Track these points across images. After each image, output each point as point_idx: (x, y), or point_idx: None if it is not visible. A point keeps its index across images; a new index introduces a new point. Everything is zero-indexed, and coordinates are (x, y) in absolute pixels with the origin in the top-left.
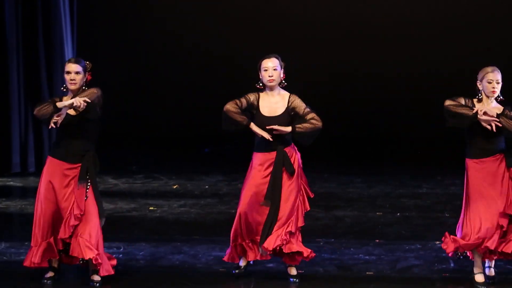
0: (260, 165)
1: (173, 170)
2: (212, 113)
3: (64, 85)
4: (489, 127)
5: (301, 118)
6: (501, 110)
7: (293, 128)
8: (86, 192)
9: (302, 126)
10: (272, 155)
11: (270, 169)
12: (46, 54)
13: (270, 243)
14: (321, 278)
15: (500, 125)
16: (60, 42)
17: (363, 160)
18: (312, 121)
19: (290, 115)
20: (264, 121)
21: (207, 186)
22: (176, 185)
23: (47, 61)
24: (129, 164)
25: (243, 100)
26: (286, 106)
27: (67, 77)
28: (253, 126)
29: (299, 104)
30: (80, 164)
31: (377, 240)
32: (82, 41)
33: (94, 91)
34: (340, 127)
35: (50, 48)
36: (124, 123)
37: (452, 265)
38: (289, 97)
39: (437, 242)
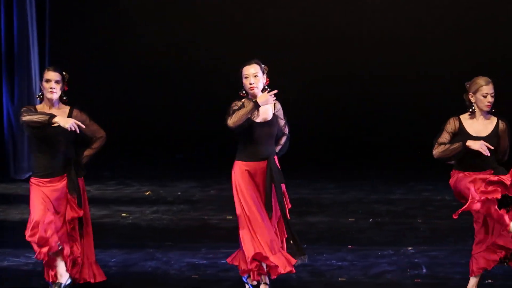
0: (251, 175)
1: (145, 176)
2: (185, 118)
3: (41, 93)
4: (483, 152)
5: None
6: (494, 122)
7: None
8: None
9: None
10: (263, 164)
11: (262, 177)
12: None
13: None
14: (294, 284)
15: (491, 147)
16: (26, 51)
17: (336, 166)
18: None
19: (277, 120)
20: (258, 127)
21: (179, 193)
22: (149, 192)
23: (8, 69)
24: (102, 170)
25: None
26: (273, 111)
27: (46, 85)
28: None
29: (281, 115)
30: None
31: (350, 246)
32: (52, 49)
33: (98, 130)
34: (313, 133)
35: (11, 56)
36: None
37: (424, 270)
38: (275, 105)
39: (410, 248)
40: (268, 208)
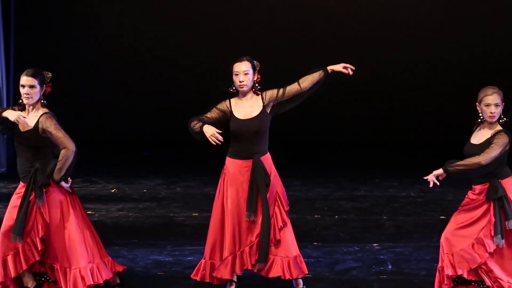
0: (236, 172)
1: (111, 173)
2: (151, 116)
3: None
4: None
5: (284, 96)
6: (493, 132)
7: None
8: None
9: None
10: (248, 162)
11: (246, 176)
12: None
13: (273, 271)
14: (260, 281)
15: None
16: None
17: (302, 162)
18: (303, 78)
19: (267, 114)
20: (240, 124)
21: (145, 190)
22: (115, 189)
23: None
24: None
25: (213, 112)
26: (262, 105)
27: (21, 90)
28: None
29: (271, 91)
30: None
31: (316, 243)
32: (22, 47)
33: (63, 141)
34: (279, 130)
35: None
36: (62, 126)
37: (389, 267)
38: (262, 95)
39: (375, 245)
40: (250, 209)
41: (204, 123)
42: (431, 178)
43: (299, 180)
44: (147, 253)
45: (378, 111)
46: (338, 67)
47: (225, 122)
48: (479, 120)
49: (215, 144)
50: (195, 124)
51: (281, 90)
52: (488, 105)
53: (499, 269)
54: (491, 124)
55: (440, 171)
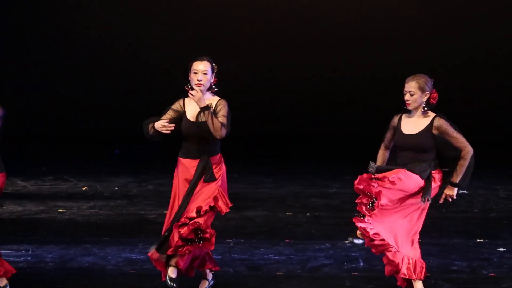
0: (184, 171)
1: (82, 171)
2: (122, 114)
3: None
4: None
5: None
6: (430, 120)
7: (209, 107)
8: None
9: (214, 114)
10: (195, 162)
11: (191, 177)
12: None
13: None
14: (232, 278)
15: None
16: None
17: (273, 160)
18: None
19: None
20: (192, 126)
21: (116, 188)
22: (86, 187)
23: None
24: (38, 165)
25: (168, 114)
26: (211, 110)
27: None
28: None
29: (220, 108)
30: None
31: (287, 240)
32: None
33: None
34: (250, 127)
35: None
36: (33, 124)
37: (361, 264)
38: (217, 102)
39: (347, 242)
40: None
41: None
42: (448, 198)
43: (271, 177)
44: (118, 251)
45: (351, 108)
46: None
47: (180, 120)
48: (405, 108)
49: (168, 132)
50: (149, 130)
51: (222, 116)
52: (405, 92)
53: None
54: (422, 111)
55: (453, 191)
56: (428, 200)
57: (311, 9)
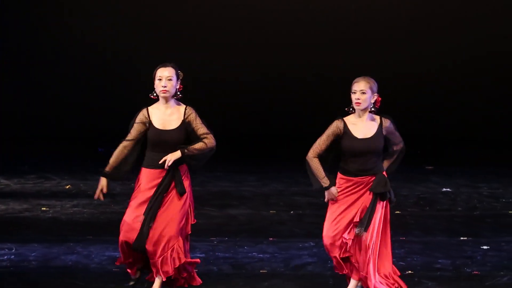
0: (148, 183)
1: (66, 170)
2: (106, 113)
3: None
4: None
5: (194, 134)
6: (378, 121)
7: (182, 152)
8: None
9: (191, 149)
10: (163, 173)
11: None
12: None
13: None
14: (215, 277)
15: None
16: None
17: (257, 158)
18: (205, 140)
19: (186, 129)
20: (159, 134)
21: None
22: (69, 185)
23: None
24: (21, 164)
25: (132, 130)
26: (182, 119)
27: None
28: None
29: (194, 118)
30: None
31: (271, 238)
32: None
33: None
34: (234, 125)
35: None
36: (16, 122)
37: None
38: (185, 110)
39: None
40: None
41: (107, 171)
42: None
43: (254, 175)
44: (102, 249)
45: (333, 108)
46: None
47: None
48: (350, 110)
49: (95, 198)
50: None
51: (200, 126)
52: (354, 92)
53: (370, 265)
54: (369, 113)
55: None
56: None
57: (306, 8)
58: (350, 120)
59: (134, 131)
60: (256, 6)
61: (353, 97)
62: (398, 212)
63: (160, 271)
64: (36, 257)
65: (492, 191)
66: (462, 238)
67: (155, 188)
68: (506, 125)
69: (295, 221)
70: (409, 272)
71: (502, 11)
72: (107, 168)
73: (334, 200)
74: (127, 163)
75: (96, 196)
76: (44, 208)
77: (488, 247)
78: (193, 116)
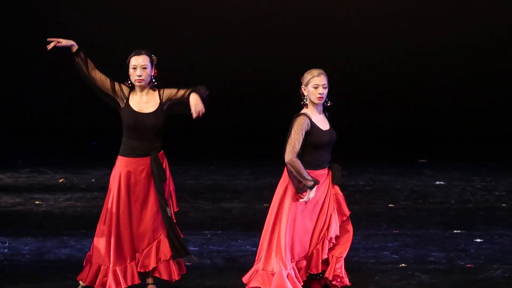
0: (130, 172)
1: (59, 163)
2: (99, 107)
3: None
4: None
5: (181, 98)
6: (323, 113)
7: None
8: None
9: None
10: (145, 160)
11: (142, 176)
12: None
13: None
14: (209, 270)
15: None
16: None
17: (251, 152)
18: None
19: (164, 111)
20: (136, 116)
21: (93, 180)
22: (62, 179)
23: None
24: (14, 158)
25: (117, 86)
26: (159, 102)
27: None
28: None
29: (170, 90)
30: None
31: None
32: None
33: None
34: (228, 119)
35: None
36: (9, 116)
37: None
38: (159, 92)
39: None
40: (162, 207)
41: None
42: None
43: (248, 169)
44: None
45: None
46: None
47: (114, 103)
48: (303, 103)
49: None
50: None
51: (178, 91)
52: (316, 86)
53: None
54: (317, 106)
55: None
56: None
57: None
58: (310, 114)
59: (111, 81)
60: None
61: (315, 91)
62: (392, 205)
63: (140, 264)
64: (30, 251)
65: (485, 184)
66: (455, 231)
67: (139, 183)
68: (499, 119)
69: None
70: (403, 265)
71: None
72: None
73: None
74: (88, 67)
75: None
76: (38, 202)
77: (482, 240)
78: (167, 90)
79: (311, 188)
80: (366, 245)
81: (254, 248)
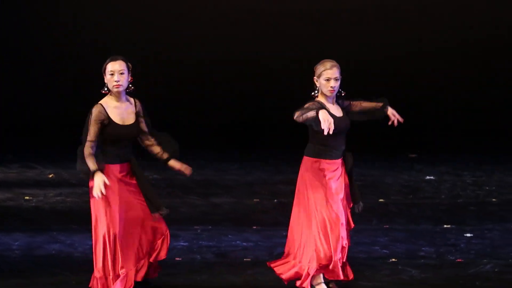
0: (116, 177)
1: (48, 159)
2: (89, 102)
3: None
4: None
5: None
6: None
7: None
8: None
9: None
10: (126, 166)
11: (125, 180)
12: None
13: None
14: (199, 265)
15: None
16: None
17: (241, 146)
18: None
19: (139, 122)
20: (121, 131)
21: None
22: (52, 174)
23: None
24: (4, 153)
25: (92, 130)
26: (134, 111)
27: None
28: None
29: (141, 110)
30: None
31: (255, 227)
32: None
33: None
34: (217, 114)
35: None
36: None
37: None
38: (135, 102)
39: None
40: (152, 211)
41: (97, 167)
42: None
43: (238, 164)
44: (85, 239)
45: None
46: (179, 166)
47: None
48: (312, 94)
49: (98, 195)
50: (87, 164)
51: (151, 136)
52: (328, 79)
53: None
54: (330, 98)
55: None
56: None
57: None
58: (324, 102)
59: (94, 131)
60: None
61: (327, 84)
62: (382, 200)
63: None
64: (20, 246)
65: (476, 179)
66: (445, 226)
67: (126, 182)
68: (489, 113)
69: (279, 209)
70: (393, 260)
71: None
72: (94, 167)
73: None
74: (99, 158)
75: (100, 192)
76: (27, 197)
77: (472, 235)
78: (140, 107)
79: (318, 110)
80: (357, 240)
81: (245, 243)
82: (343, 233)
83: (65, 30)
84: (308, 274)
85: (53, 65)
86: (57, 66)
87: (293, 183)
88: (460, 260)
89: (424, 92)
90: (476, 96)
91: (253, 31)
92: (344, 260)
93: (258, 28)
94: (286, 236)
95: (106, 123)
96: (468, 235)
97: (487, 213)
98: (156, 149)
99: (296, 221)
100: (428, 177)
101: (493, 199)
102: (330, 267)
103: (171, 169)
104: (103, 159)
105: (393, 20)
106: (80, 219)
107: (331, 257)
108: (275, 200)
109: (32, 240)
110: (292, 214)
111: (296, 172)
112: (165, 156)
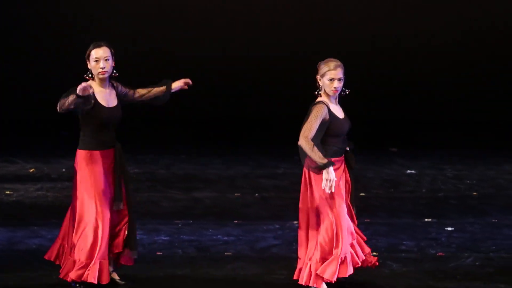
0: (98, 164)
1: (29, 153)
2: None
3: None
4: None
5: (126, 97)
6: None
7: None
8: None
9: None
10: (110, 152)
11: (106, 166)
12: None
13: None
14: (180, 259)
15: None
16: None
17: (222, 141)
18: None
19: (126, 91)
20: (108, 112)
21: (64, 169)
22: (33, 169)
23: None
24: None
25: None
26: (116, 94)
27: None
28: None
29: (123, 87)
30: None
31: (236, 221)
32: None
33: None
34: (198, 108)
35: None
36: None
37: None
38: (114, 85)
39: (295, 222)
40: (118, 199)
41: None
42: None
43: (219, 158)
44: None
45: (298, 89)
46: (179, 83)
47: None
48: (316, 93)
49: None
50: (66, 100)
51: (129, 91)
52: (332, 79)
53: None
54: (332, 97)
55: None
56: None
57: None
58: (327, 102)
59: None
60: None
61: (330, 84)
62: (363, 194)
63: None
64: (0, 241)
65: (456, 172)
66: (426, 219)
67: (110, 169)
68: (470, 107)
69: (260, 203)
70: (374, 254)
71: None
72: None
73: (331, 183)
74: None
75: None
76: (8, 192)
77: (453, 229)
78: (122, 89)
79: (324, 167)
80: None
81: (226, 238)
82: (350, 227)
83: (65, 30)
84: (311, 271)
85: (37, 60)
86: (41, 62)
87: (274, 177)
88: (441, 253)
89: (405, 86)
90: (458, 90)
91: (222, 27)
92: (365, 253)
93: (227, 24)
94: (267, 230)
95: (91, 103)
96: (449, 228)
97: (468, 206)
98: (154, 90)
99: (304, 223)
100: (409, 171)
101: (474, 193)
102: (337, 261)
103: (176, 92)
104: (89, 146)
105: (371, 16)
106: (61, 213)
107: (331, 250)
108: (257, 195)
109: (13, 235)
110: (300, 217)
111: (276, 166)
112: (163, 87)
